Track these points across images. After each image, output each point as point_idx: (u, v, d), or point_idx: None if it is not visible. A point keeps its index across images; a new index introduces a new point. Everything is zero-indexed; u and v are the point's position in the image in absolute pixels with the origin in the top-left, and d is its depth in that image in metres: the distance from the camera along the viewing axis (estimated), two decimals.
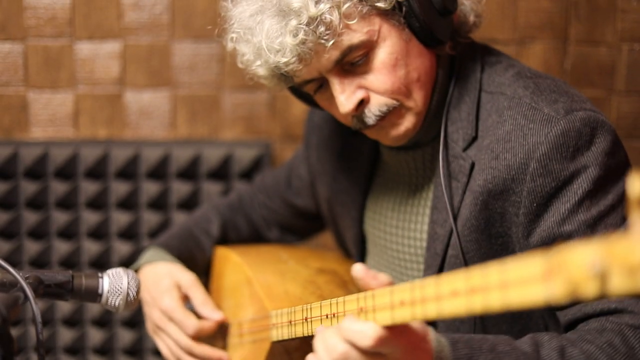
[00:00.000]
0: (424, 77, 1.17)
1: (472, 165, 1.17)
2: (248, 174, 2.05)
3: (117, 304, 1.11)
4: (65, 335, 2.09)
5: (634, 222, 0.51)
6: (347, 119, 1.20)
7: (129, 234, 2.07)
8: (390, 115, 1.17)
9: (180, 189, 2.06)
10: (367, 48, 1.12)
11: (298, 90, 1.28)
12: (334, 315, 0.98)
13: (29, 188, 2.05)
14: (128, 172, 2.05)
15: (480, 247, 1.17)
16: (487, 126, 1.17)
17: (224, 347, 1.44)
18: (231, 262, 1.46)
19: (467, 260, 1.18)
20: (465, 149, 1.18)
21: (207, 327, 1.37)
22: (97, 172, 2.05)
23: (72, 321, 2.09)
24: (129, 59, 2.06)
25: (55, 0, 2.04)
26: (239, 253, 1.45)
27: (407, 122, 1.19)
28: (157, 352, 2.10)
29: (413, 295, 0.81)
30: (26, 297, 0.94)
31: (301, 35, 1.08)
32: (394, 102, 1.15)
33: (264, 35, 1.10)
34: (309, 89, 1.21)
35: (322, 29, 1.08)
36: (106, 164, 2.05)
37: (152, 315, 1.42)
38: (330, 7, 1.07)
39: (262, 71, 1.17)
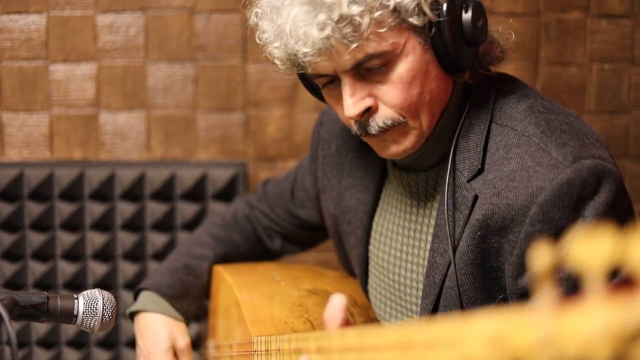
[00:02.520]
0: (436, 101, 1.16)
1: (475, 198, 1.16)
2: (223, 195, 2.06)
3: (92, 325, 1.13)
4: (41, 356, 2.09)
5: (538, 297, 0.48)
6: (349, 122, 1.19)
7: (105, 255, 2.08)
8: (392, 130, 1.16)
9: (155, 209, 2.07)
10: (388, 59, 1.11)
11: (307, 79, 1.26)
12: (299, 350, 0.97)
13: (3, 210, 2.05)
14: (103, 193, 2.06)
15: (475, 281, 1.17)
16: (493, 160, 1.15)
17: None
18: (224, 282, 1.48)
19: (461, 294, 1.17)
20: (469, 180, 1.17)
21: None
22: (72, 193, 2.06)
23: (48, 342, 2.09)
24: (104, 81, 2.07)
25: (30, 22, 2.05)
26: (231, 273, 1.47)
27: (408, 142, 1.18)
28: None
29: (359, 340, 0.79)
30: (1, 318, 0.95)
31: (327, 31, 1.06)
32: (400, 118, 1.15)
33: (290, 19, 1.09)
34: (319, 82, 1.20)
35: (349, 29, 1.06)
36: (81, 185, 2.06)
37: None
38: (362, 10, 1.05)
39: (278, 53, 1.15)
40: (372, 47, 1.09)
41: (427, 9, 1.08)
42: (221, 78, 2.08)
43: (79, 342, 2.10)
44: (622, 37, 2.06)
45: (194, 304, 1.57)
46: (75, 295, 1.12)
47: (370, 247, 1.41)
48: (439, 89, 1.16)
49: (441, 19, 1.10)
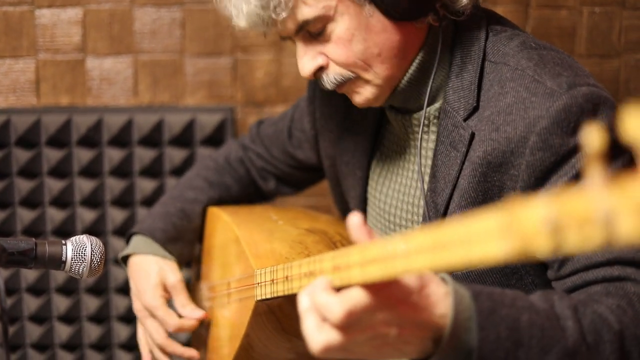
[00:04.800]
0: (388, 52, 1.17)
1: (472, 136, 1.15)
2: (211, 140, 2.05)
3: (81, 270, 1.12)
4: (31, 303, 2.09)
5: (590, 176, 0.50)
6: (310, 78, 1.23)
7: (93, 201, 2.07)
8: (347, 85, 1.20)
9: (143, 155, 2.05)
10: (324, 22, 1.15)
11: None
12: (311, 273, 0.95)
13: None
14: (91, 139, 2.05)
15: None
16: (489, 97, 1.15)
17: (212, 307, 1.47)
18: (221, 221, 1.47)
19: None
20: (466, 119, 1.17)
21: (188, 325, 1.44)
22: (59, 139, 2.04)
23: (37, 289, 2.09)
24: (90, 25, 2.05)
25: None
26: (228, 212, 1.47)
27: (367, 93, 1.21)
28: (121, 317, 2.10)
29: (383, 251, 0.77)
30: None
31: (253, 5, 1.12)
32: (350, 74, 1.18)
33: None
34: (285, 41, 1.25)
35: (274, 2, 1.11)
36: (69, 131, 2.05)
37: (135, 305, 1.50)
38: None
39: (241, 24, 1.19)
40: (304, 14, 1.13)
41: None
42: (209, 22, 2.06)
43: (69, 288, 2.09)
44: None
45: (186, 247, 1.57)
46: (63, 242, 1.12)
47: (369, 188, 1.41)
48: (389, 40, 1.16)
49: None
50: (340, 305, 0.79)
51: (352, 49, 1.16)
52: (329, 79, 1.20)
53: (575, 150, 1.06)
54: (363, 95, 1.22)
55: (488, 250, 0.61)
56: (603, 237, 0.51)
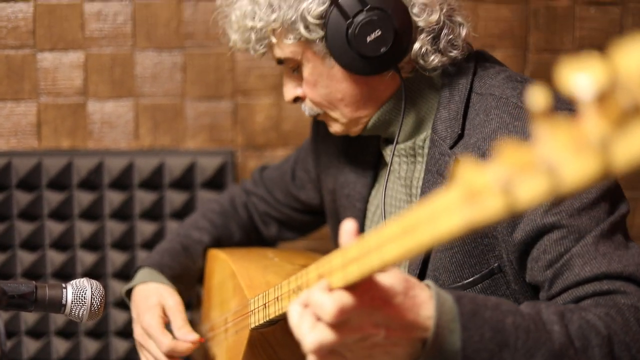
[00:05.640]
0: (351, 99, 1.27)
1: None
2: (212, 183, 2.06)
3: (81, 314, 1.13)
4: (30, 346, 2.09)
5: (536, 132, 0.53)
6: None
7: (93, 244, 2.07)
8: (320, 116, 1.34)
9: (144, 198, 2.06)
10: (294, 63, 1.28)
11: None
12: (299, 287, 0.96)
13: None
14: (92, 182, 2.05)
15: (464, 244, 1.19)
16: (474, 125, 1.21)
17: (211, 346, 1.48)
18: (219, 260, 1.49)
19: (451, 256, 1.20)
20: (452, 147, 1.22)
21: (181, 347, 1.41)
22: (60, 182, 2.05)
23: (37, 332, 2.09)
24: (92, 69, 2.06)
25: (17, 10, 2.03)
26: (226, 252, 1.49)
27: (336, 127, 1.34)
28: None
29: (360, 249, 0.79)
30: None
31: (238, 38, 1.28)
32: (319, 110, 1.31)
33: (229, 18, 1.30)
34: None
35: (253, 37, 1.26)
36: (70, 174, 2.05)
37: (136, 331, 1.48)
38: (262, 26, 1.23)
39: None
40: (277, 53, 1.28)
41: (311, 25, 1.21)
42: (209, 66, 2.07)
43: (68, 331, 2.09)
44: (611, 24, 2.06)
45: (188, 287, 1.58)
46: (63, 285, 1.12)
47: (367, 221, 1.44)
48: (351, 88, 1.26)
49: (324, 34, 1.21)
50: (332, 302, 0.80)
51: (318, 92, 1.28)
52: (306, 109, 1.33)
53: None
54: (333, 128, 1.35)
55: (451, 222, 0.62)
56: (550, 184, 0.52)
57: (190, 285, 1.59)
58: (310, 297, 0.84)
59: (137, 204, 2.06)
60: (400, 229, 0.71)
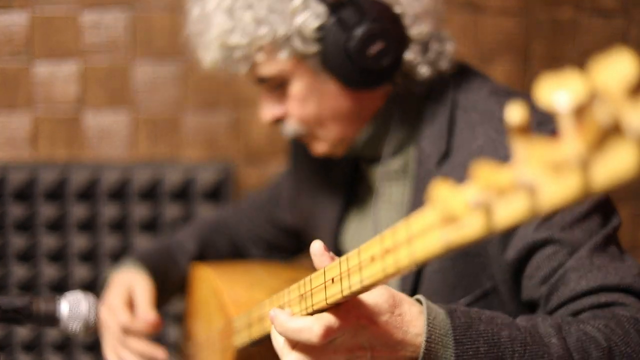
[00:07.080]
0: (340, 116, 1.24)
1: None
2: (210, 196, 2.03)
3: (76, 328, 1.10)
4: None
5: (515, 151, 0.52)
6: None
7: (89, 256, 2.04)
8: (303, 137, 1.29)
9: (140, 211, 2.03)
10: (281, 81, 1.23)
11: None
12: (281, 307, 0.95)
13: None
14: (87, 193, 2.03)
15: (454, 265, 1.16)
16: (460, 142, 1.19)
17: None
18: (203, 275, 1.47)
19: (443, 279, 1.18)
20: (438, 164, 1.20)
21: (137, 325, 1.36)
22: (56, 194, 2.02)
23: (31, 345, 2.06)
24: (88, 80, 2.04)
25: (12, 21, 2.02)
26: (212, 267, 1.47)
27: (320, 147, 1.30)
28: None
29: (341, 269, 0.79)
30: None
31: (218, 56, 1.23)
32: (304, 129, 1.26)
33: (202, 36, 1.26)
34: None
35: (237, 55, 1.20)
36: (65, 186, 2.03)
37: (100, 311, 1.43)
38: (247, 42, 1.18)
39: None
40: (262, 72, 1.23)
41: (308, 40, 1.17)
42: (208, 77, 2.04)
43: (63, 345, 2.06)
44: (614, 34, 2.03)
45: (166, 286, 1.53)
46: (58, 298, 1.10)
47: (341, 239, 1.41)
48: (342, 105, 1.24)
49: (324, 47, 1.18)
50: (318, 323, 0.80)
51: (306, 109, 1.23)
52: (287, 129, 1.28)
53: None
54: (316, 148, 1.30)
55: (429, 242, 0.62)
56: (529, 204, 0.51)
57: (168, 284, 1.54)
58: (286, 327, 0.84)
59: (134, 217, 2.04)
60: (380, 250, 0.71)
